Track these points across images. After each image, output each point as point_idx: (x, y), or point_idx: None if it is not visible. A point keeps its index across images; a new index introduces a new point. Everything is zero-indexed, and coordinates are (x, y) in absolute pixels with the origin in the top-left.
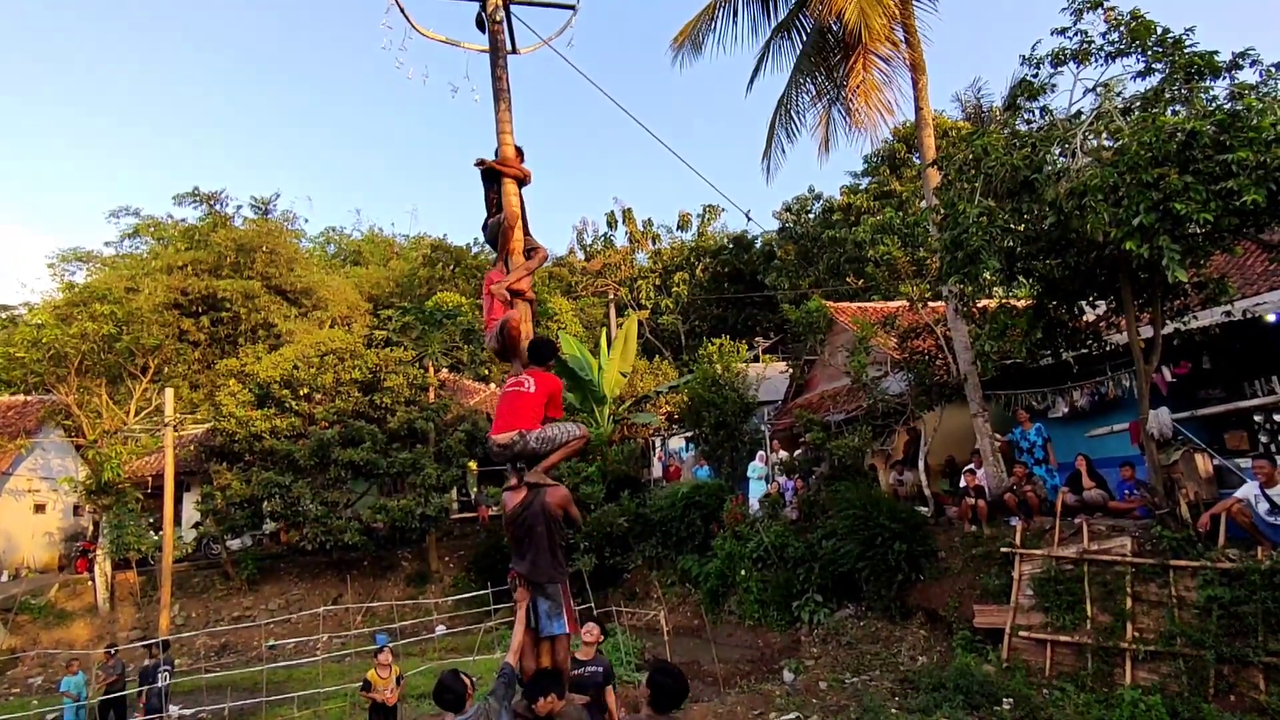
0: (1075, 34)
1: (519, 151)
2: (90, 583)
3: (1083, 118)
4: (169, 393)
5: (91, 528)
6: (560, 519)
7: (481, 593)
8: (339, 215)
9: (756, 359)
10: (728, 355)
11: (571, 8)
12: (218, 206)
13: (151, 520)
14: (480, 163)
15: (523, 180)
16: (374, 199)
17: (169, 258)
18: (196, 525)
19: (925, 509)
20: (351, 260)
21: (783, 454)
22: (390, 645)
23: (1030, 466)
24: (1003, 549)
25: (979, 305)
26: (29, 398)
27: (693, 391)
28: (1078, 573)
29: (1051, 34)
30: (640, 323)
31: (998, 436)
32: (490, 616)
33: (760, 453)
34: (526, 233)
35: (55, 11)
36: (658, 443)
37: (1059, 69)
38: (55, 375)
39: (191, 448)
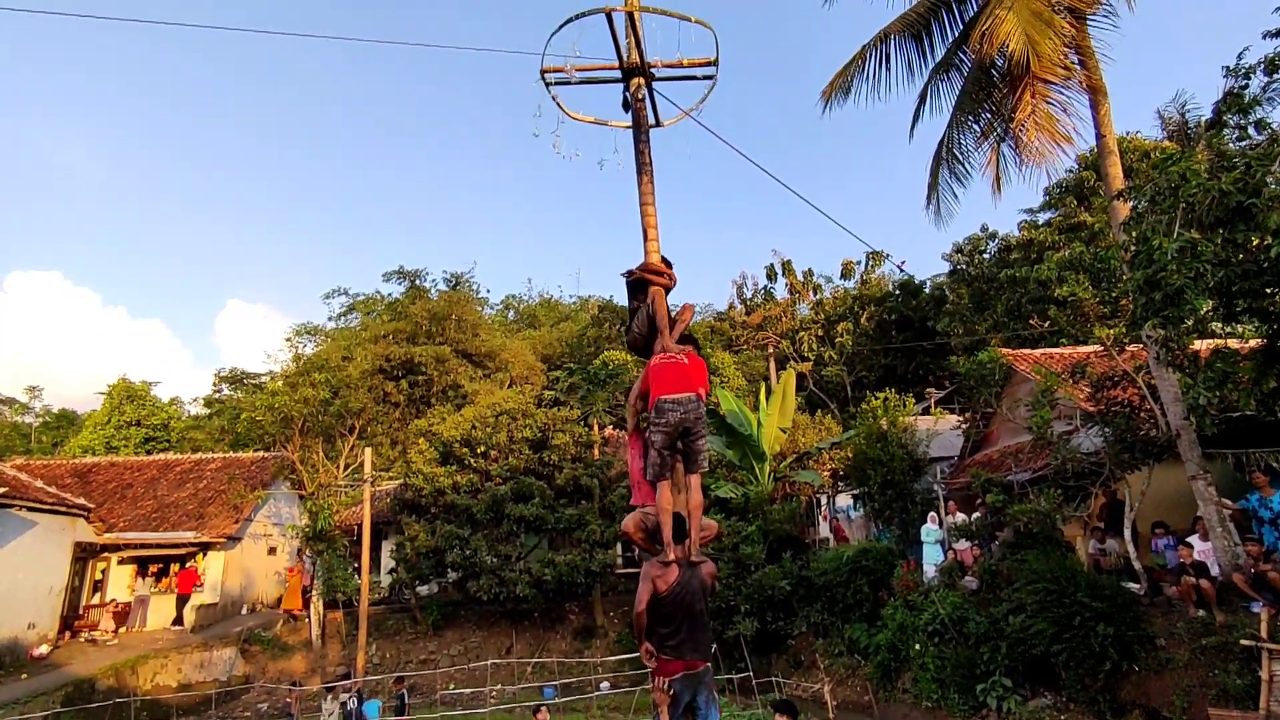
0: None
1: (666, 262)
2: (307, 619)
3: None
4: (368, 452)
5: (310, 570)
6: (710, 591)
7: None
8: (512, 282)
9: (927, 411)
10: (893, 409)
11: (710, 78)
12: (419, 282)
13: (355, 566)
14: (628, 274)
15: (669, 288)
16: (542, 262)
17: (375, 328)
18: (392, 571)
19: (1135, 585)
20: (528, 324)
21: (960, 516)
22: (552, 701)
23: (1274, 541)
24: (1243, 641)
25: (1189, 349)
26: (266, 454)
27: (857, 448)
28: None
29: (1264, 37)
30: (803, 376)
31: (1227, 503)
32: (650, 679)
33: (932, 514)
34: (679, 330)
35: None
36: (823, 500)
37: (1275, 76)
38: (284, 435)
39: (388, 500)
